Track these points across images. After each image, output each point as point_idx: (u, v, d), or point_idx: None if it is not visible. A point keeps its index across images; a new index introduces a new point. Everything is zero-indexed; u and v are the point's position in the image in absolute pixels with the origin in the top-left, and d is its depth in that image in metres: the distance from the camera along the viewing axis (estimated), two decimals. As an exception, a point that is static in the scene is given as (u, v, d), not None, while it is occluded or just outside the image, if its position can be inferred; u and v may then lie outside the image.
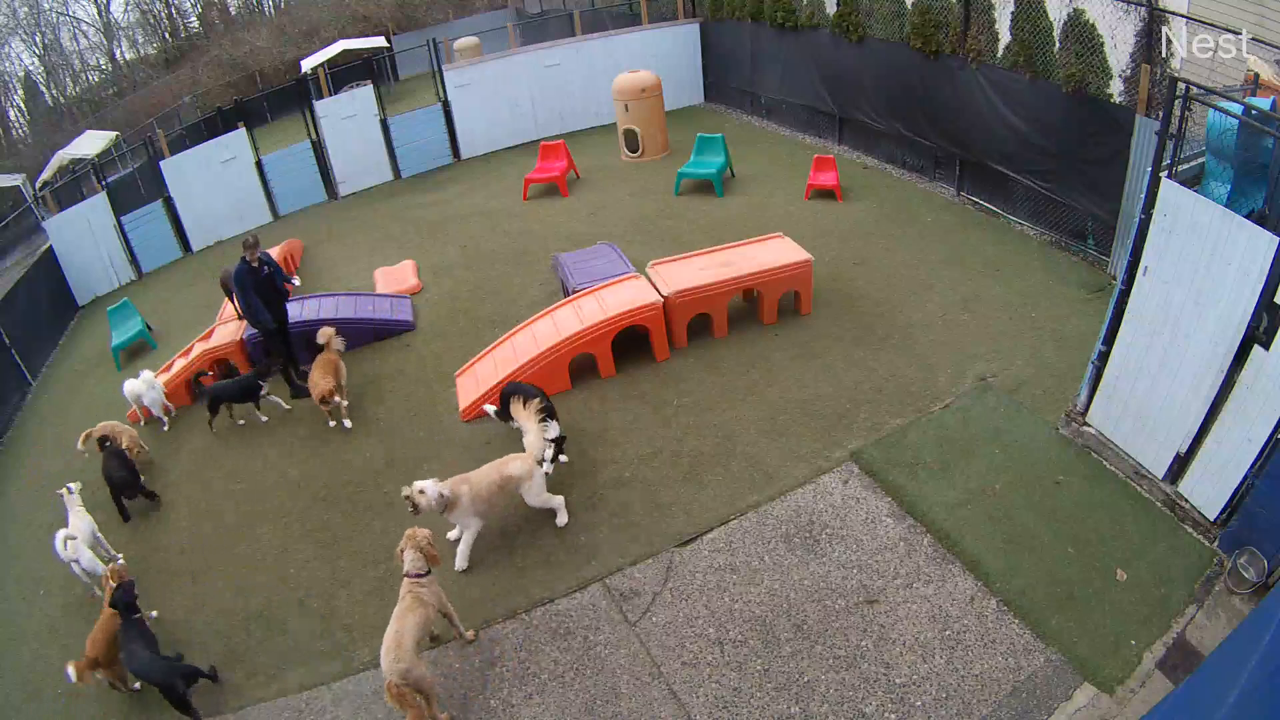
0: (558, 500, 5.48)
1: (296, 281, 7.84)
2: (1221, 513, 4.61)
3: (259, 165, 12.63)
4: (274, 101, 22.29)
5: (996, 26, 8.31)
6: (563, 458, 5.98)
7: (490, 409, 6.25)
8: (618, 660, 4.53)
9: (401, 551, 4.45)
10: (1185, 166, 4.78)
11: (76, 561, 5.35)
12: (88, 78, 32.24)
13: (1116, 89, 7.16)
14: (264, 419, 7.18)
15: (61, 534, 5.43)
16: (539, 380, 6.72)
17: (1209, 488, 4.65)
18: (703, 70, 15.07)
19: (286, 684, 4.71)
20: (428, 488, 4.93)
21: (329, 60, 19.46)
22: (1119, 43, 7.02)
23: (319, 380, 6.67)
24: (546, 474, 5.51)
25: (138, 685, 4.86)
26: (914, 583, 4.71)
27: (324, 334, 7.00)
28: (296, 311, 7.75)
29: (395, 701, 4.01)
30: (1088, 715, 3.94)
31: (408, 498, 4.90)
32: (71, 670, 4.54)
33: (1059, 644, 4.24)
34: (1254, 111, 4.34)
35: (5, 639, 5.48)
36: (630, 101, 11.99)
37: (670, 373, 6.94)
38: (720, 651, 4.48)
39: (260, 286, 6.98)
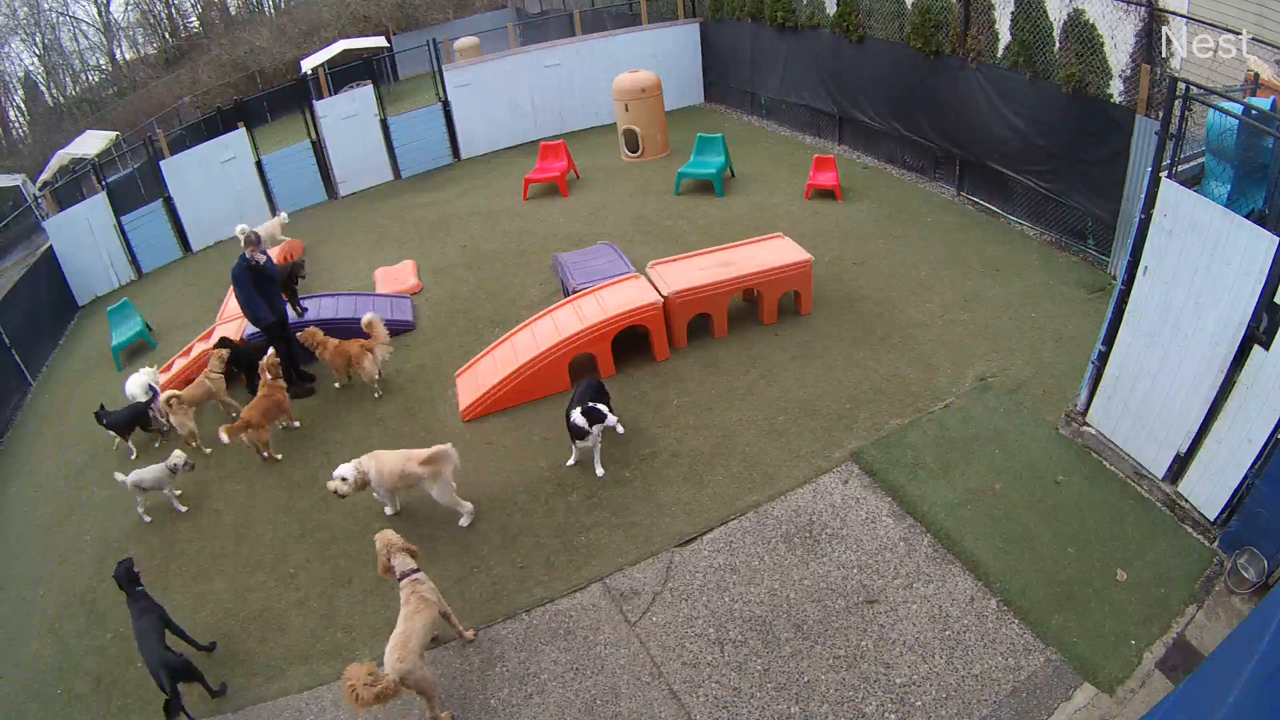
0: (466, 505, 5.62)
1: (306, 306, 7.97)
2: (1221, 513, 4.61)
3: (259, 165, 12.62)
4: (274, 101, 22.27)
5: (996, 26, 8.31)
6: (620, 429, 6.07)
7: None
8: (618, 660, 4.53)
9: (389, 561, 4.48)
10: (1185, 166, 4.79)
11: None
12: (88, 78, 32.22)
13: (1116, 89, 7.16)
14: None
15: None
16: (539, 380, 6.73)
17: (1209, 488, 4.65)
18: (703, 70, 15.06)
19: (286, 684, 4.71)
20: (347, 473, 5.26)
21: (329, 60, 19.43)
22: (1119, 43, 7.02)
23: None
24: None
25: (280, 455, 6.59)
26: (914, 583, 4.71)
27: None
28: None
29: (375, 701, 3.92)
30: (1088, 715, 3.94)
31: (335, 490, 5.29)
32: (224, 434, 6.31)
33: (1059, 644, 4.25)
34: (1254, 111, 4.35)
35: (5, 639, 5.48)
36: (630, 101, 11.98)
37: (670, 373, 6.94)
38: (720, 651, 4.48)
39: (260, 284, 6.99)
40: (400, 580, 4.43)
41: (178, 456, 6.08)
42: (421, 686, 4.11)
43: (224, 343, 7.35)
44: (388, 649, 4.12)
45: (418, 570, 4.49)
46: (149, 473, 6.04)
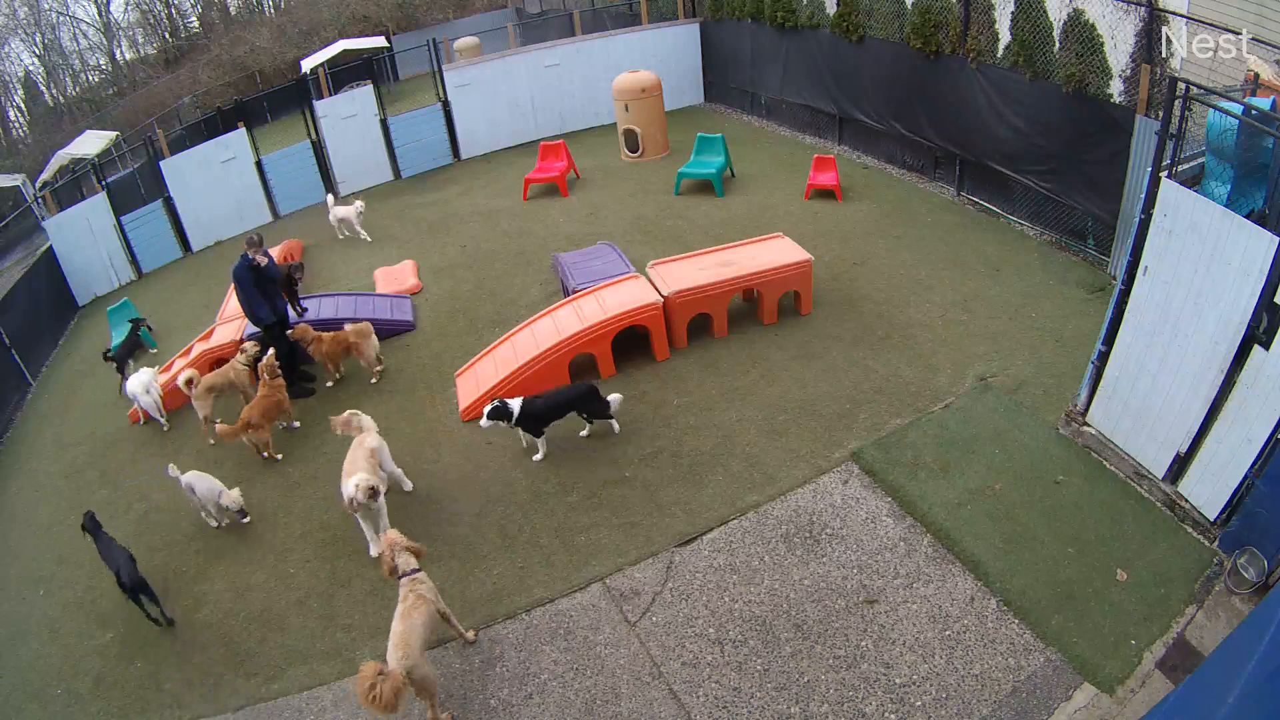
0: (398, 471, 5.96)
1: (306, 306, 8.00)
2: (1221, 513, 4.61)
3: (259, 165, 12.62)
4: (274, 101, 22.27)
5: (996, 26, 8.31)
6: (616, 426, 6.28)
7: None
8: (618, 660, 4.53)
9: (393, 560, 4.47)
10: (1185, 166, 4.78)
11: None
12: (88, 78, 32.25)
13: (1116, 89, 7.16)
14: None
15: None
16: (539, 380, 6.73)
17: (1209, 488, 4.65)
18: (703, 70, 15.07)
19: (286, 684, 4.71)
20: (364, 478, 5.20)
21: (329, 60, 19.45)
22: (1119, 43, 7.02)
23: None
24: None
25: (280, 455, 6.64)
26: (914, 583, 4.71)
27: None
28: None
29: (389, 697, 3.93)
30: (1088, 715, 3.94)
31: (371, 489, 5.17)
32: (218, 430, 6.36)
33: (1059, 644, 4.25)
34: (1254, 111, 4.34)
35: (5, 639, 5.48)
36: (630, 101, 11.99)
37: (670, 373, 6.94)
38: (720, 651, 4.48)
39: (261, 284, 7.00)
40: (400, 579, 4.43)
41: (235, 500, 5.82)
42: (424, 684, 4.10)
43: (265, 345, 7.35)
44: (389, 647, 4.11)
45: (419, 570, 4.49)
46: (202, 483, 5.81)
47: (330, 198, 11.34)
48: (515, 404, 5.83)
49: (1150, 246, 4.70)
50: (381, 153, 13.38)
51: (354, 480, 5.16)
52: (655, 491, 5.67)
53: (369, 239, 10.99)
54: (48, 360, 10.11)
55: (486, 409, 5.80)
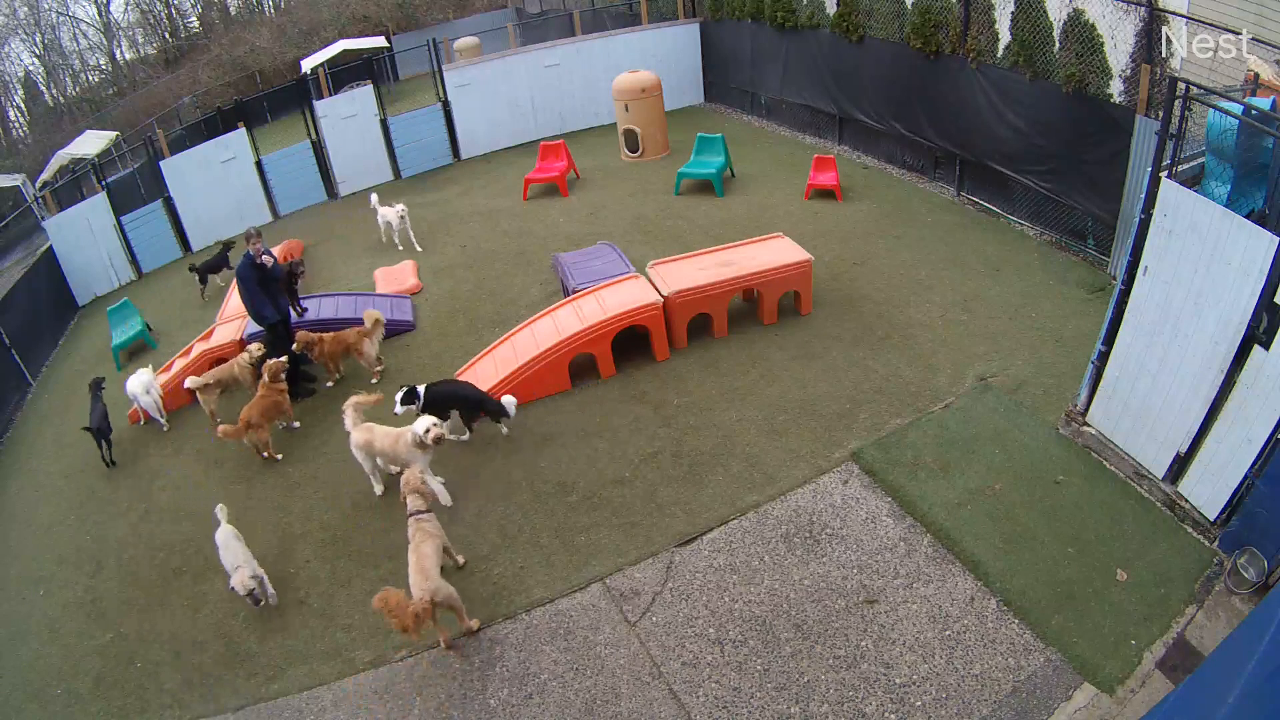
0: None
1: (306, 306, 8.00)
2: (1221, 513, 4.61)
3: (259, 165, 12.62)
4: (274, 101, 22.27)
5: (996, 26, 8.31)
6: (504, 429, 6.44)
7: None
8: (618, 660, 4.53)
9: (404, 498, 4.96)
10: (1185, 166, 4.78)
11: None
12: (88, 78, 32.25)
13: (1116, 89, 7.16)
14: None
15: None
16: (540, 380, 6.74)
17: (1209, 488, 4.65)
18: (703, 70, 15.07)
19: (286, 684, 4.71)
20: (428, 422, 5.52)
21: (329, 60, 19.45)
22: (1119, 43, 7.02)
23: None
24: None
25: (280, 455, 6.69)
26: (914, 583, 4.71)
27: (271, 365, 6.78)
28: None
29: (414, 626, 4.31)
30: (1088, 715, 3.94)
31: (439, 436, 5.51)
32: (220, 431, 6.47)
33: (1059, 644, 4.24)
34: (1254, 111, 4.34)
35: (5, 639, 5.48)
36: (630, 101, 11.99)
37: (670, 373, 6.95)
38: (720, 651, 4.48)
39: (265, 282, 6.99)
40: (408, 518, 4.85)
41: (243, 584, 4.95)
42: (450, 602, 4.54)
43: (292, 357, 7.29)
44: (410, 576, 4.52)
45: (425, 511, 4.91)
46: (231, 547, 5.16)
47: (374, 196, 10.88)
48: (422, 389, 6.10)
49: (1150, 246, 4.70)
50: (381, 153, 13.37)
51: (429, 421, 5.51)
52: (655, 491, 5.67)
53: (420, 248, 10.36)
54: (48, 360, 10.11)
55: (399, 394, 6.06)
